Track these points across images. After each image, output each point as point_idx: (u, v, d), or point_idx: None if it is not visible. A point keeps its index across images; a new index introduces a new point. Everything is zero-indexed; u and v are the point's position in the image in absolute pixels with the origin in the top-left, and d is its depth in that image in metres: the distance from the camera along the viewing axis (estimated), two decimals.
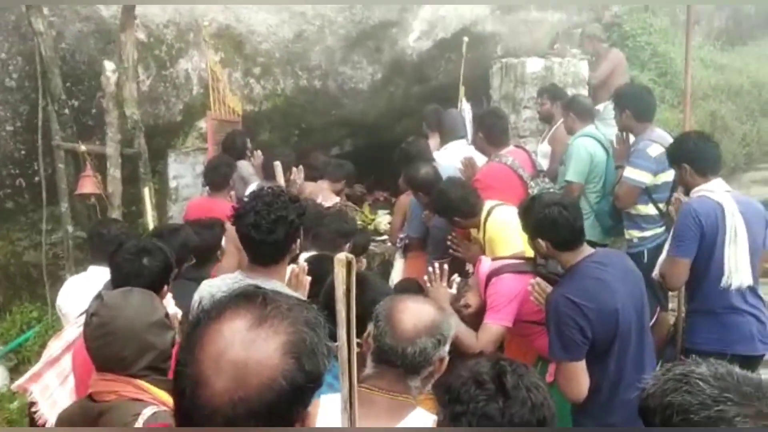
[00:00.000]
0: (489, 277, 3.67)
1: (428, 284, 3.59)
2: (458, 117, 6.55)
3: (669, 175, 4.89)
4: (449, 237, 4.61)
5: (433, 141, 6.34)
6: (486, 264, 3.78)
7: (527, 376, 1.81)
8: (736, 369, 1.27)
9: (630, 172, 4.92)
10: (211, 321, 1.22)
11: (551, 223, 3.19)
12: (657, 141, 4.94)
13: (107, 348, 2.23)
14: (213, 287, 2.98)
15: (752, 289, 3.94)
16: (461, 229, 4.59)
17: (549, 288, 3.36)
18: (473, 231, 4.52)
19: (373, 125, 8.17)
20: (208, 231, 4.20)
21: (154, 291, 2.76)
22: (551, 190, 4.81)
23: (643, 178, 4.90)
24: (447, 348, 2.13)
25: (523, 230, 3.43)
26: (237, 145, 6.37)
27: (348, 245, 4.13)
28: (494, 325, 3.57)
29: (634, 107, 5.03)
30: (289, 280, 3.08)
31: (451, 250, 4.58)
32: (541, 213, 3.21)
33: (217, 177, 5.57)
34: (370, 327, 2.12)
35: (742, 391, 1.23)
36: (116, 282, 2.96)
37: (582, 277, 3.18)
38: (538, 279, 3.46)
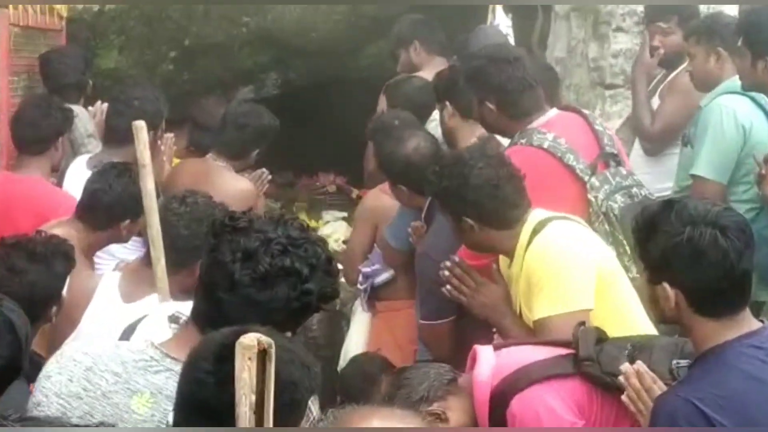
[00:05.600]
0: (500, 398, 2.83)
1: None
2: (494, 37, 5.22)
3: None
4: (445, 266, 3.55)
5: (423, 70, 5.22)
6: (486, 362, 2.87)
7: None
8: None
9: None
10: None
11: (696, 257, 2.42)
12: None
13: None
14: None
15: None
16: (474, 249, 3.46)
17: (658, 387, 2.61)
18: (502, 260, 3.42)
19: (319, 50, 6.44)
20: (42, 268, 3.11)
21: None
22: (643, 193, 3.66)
23: None
24: None
25: (641, 259, 2.71)
26: (66, 72, 5.06)
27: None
28: None
29: None
30: None
31: (449, 292, 3.52)
32: (679, 236, 2.44)
33: (34, 132, 4.43)
34: None
35: None
36: None
37: (729, 369, 2.48)
38: (639, 365, 2.64)
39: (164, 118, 4.62)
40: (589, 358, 2.82)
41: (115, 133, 4.41)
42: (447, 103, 4.14)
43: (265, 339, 1.30)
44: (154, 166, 3.88)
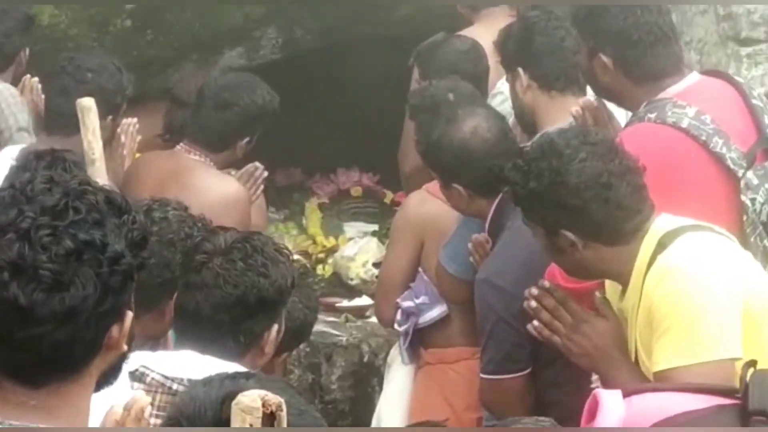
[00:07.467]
0: None
1: None
2: None
3: None
4: (530, 293, 3.06)
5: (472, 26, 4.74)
6: (613, 412, 2.45)
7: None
8: None
9: None
10: None
11: None
12: None
13: None
14: None
15: None
16: (577, 274, 2.98)
17: None
18: (609, 287, 2.98)
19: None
20: None
21: None
22: None
23: None
24: None
25: None
26: None
27: (275, 331, 2.73)
28: None
29: None
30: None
31: (539, 331, 3.08)
32: None
33: None
34: None
35: None
36: None
37: None
38: None
39: (127, 97, 4.09)
40: (764, 413, 2.40)
41: (61, 118, 3.89)
42: (520, 69, 3.58)
43: (273, 398, 1.21)
44: (111, 161, 3.63)
